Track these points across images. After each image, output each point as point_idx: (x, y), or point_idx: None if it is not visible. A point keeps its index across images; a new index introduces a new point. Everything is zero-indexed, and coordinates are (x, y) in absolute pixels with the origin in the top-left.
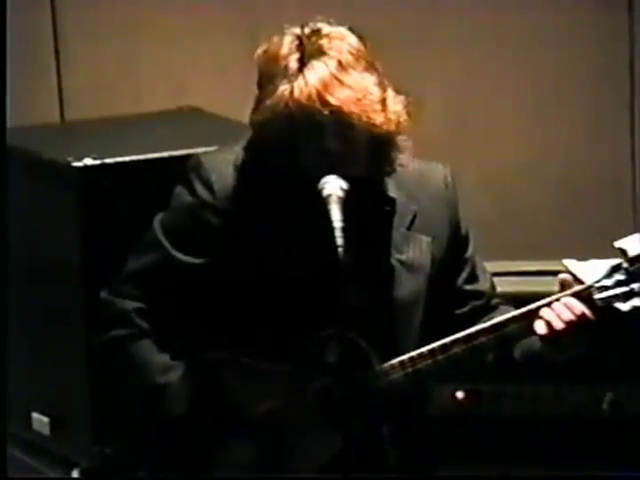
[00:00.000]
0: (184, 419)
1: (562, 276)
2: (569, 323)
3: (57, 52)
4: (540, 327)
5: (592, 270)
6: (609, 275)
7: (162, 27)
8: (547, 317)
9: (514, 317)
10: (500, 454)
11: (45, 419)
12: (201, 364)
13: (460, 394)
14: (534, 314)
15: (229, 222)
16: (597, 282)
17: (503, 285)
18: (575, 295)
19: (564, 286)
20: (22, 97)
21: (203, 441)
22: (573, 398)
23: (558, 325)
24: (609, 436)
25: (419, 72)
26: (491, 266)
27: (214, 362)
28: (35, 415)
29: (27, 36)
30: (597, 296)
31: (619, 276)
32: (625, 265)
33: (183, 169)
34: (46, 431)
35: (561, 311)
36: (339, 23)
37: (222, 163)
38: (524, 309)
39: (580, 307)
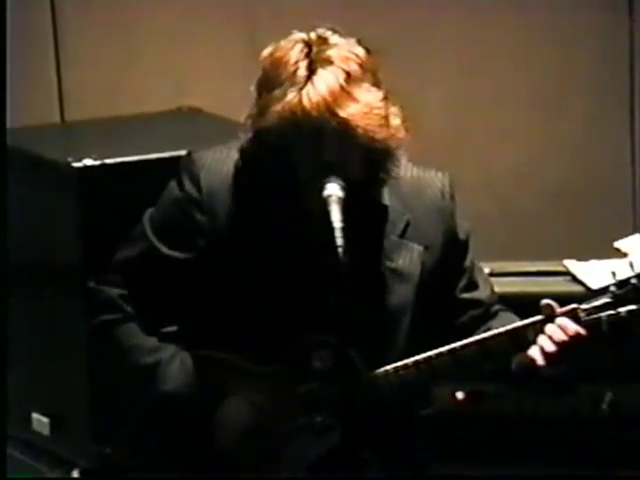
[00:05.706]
0: (175, 397)
1: (545, 301)
2: (563, 344)
3: (57, 52)
4: (535, 353)
5: (592, 270)
6: (596, 297)
7: (162, 27)
8: (541, 341)
9: (499, 334)
10: (500, 454)
11: (45, 419)
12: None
13: (460, 394)
14: (519, 332)
15: (214, 219)
16: (584, 304)
17: (503, 285)
18: (562, 316)
19: (548, 309)
20: (22, 97)
21: (192, 423)
22: (573, 398)
23: (552, 348)
24: (609, 436)
25: (419, 73)
26: (491, 266)
27: (197, 358)
28: (35, 415)
29: (27, 36)
30: (583, 318)
31: (606, 299)
32: (613, 288)
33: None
34: (46, 431)
35: (554, 332)
36: (339, 24)
37: (213, 161)
38: (509, 327)
39: (574, 327)
